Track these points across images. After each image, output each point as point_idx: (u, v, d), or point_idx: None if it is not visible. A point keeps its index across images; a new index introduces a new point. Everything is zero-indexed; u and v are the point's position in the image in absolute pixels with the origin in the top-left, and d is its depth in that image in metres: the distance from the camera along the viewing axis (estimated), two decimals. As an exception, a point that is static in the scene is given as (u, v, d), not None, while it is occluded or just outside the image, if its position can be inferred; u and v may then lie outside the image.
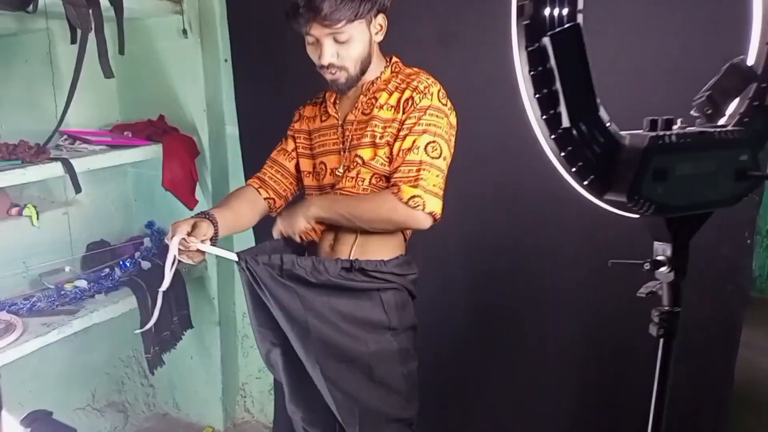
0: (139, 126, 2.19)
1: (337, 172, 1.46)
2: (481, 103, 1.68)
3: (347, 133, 1.45)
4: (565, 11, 0.71)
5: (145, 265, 2.14)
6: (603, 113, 0.75)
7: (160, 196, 2.22)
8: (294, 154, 1.57)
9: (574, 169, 0.75)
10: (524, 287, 1.87)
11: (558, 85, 0.71)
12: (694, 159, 0.78)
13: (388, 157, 1.40)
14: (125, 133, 2.13)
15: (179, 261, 1.34)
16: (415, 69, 1.46)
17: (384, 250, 1.45)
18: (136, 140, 2.08)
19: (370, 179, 1.42)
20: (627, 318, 1.77)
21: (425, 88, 1.37)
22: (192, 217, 1.38)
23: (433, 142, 1.35)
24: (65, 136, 1.97)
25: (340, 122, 1.47)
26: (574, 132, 0.74)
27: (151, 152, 2.07)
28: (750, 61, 0.89)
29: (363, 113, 1.43)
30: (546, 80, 0.72)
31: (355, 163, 1.42)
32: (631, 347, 1.81)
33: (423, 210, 1.34)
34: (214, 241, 1.37)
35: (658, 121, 0.79)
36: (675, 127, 0.81)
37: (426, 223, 1.37)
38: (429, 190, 1.34)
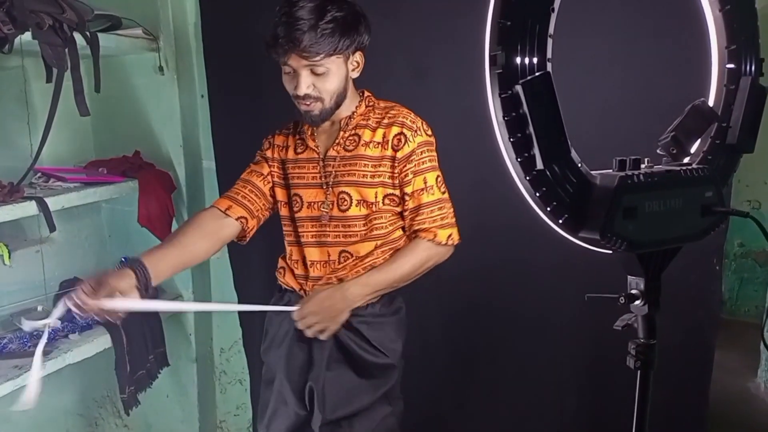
0: (114, 162, 2.17)
1: (322, 208, 1.44)
2: (454, 136, 1.71)
3: (329, 168, 1.45)
4: (535, 60, 0.75)
5: (121, 302, 2.10)
6: (574, 154, 0.79)
7: (135, 231, 2.20)
8: (270, 178, 1.53)
9: (549, 209, 0.78)
10: (501, 317, 1.89)
11: (531, 129, 0.74)
12: (662, 197, 0.82)
13: (390, 197, 1.42)
14: (100, 169, 2.11)
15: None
16: (389, 102, 1.48)
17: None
18: (111, 177, 2.07)
19: (367, 220, 1.42)
20: (605, 346, 1.81)
21: (413, 123, 1.41)
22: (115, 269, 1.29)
23: (438, 176, 1.43)
24: (39, 174, 1.95)
25: (321, 156, 1.46)
26: (548, 173, 0.77)
27: (126, 188, 2.06)
28: (710, 101, 0.94)
29: (345, 149, 1.44)
30: (519, 125, 0.75)
31: (343, 200, 1.42)
32: (608, 374, 1.84)
33: (454, 243, 1.44)
34: (147, 287, 1.27)
35: (627, 161, 0.82)
36: (643, 166, 0.85)
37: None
38: (453, 224, 1.44)
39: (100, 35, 1.85)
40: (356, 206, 1.41)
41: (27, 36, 1.61)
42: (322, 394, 1.41)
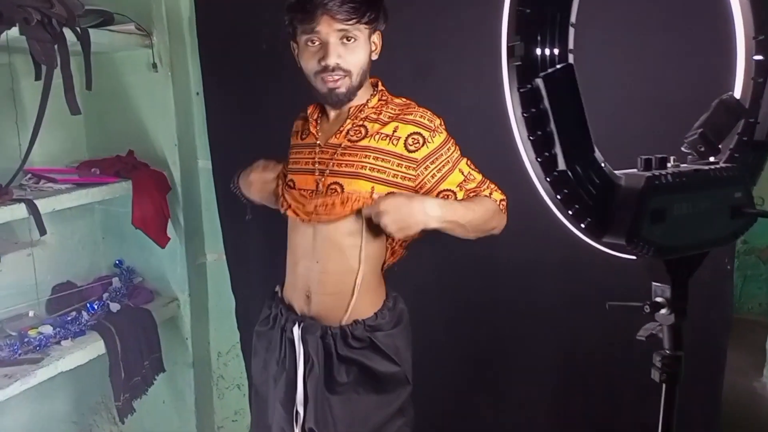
0: (108, 162, 2.11)
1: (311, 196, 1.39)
2: (457, 134, 1.66)
3: (326, 156, 1.37)
4: (556, 51, 0.69)
5: (114, 307, 2.04)
6: (598, 154, 0.73)
7: (129, 233, 2.14)
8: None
9: (570, 212, 0.72)
10: (508, 317, 1.84)
11: (552, 127, 0.69)
12: (691, 198, 0.76)
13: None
14: (92, 170, 2.05)
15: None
16: (404, 99, 1.42)
17: (373, 294, 1.41)
18: (104, 177, 2.01)
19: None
20: (614, 348, 1.77)
21: (431, 122, 1.35)
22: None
23: (467, 161, 1.40)
24: (29, 175, 1.89)
25: (320, 143, 1.40)
26: (570, 174, 0.71)
27: (119, 189, 1.99)
28: (737, 96, 0.88)
29: (349, 140, 1.36)
30: (540, 122, 0.69)
31: (332, 191, 1.34)
32: (617, 376, 1.80)
33: (505, 210, 1.41)
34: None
35: (653, 159, 0.77)
36: (669, 165, 0.79)
37: None
38: (503, 192, 1.41)
39: (91, 31, 1.78)
40: (344, 200, 1.35)
41: (14, 31, 1.54)
42: (330, 420, 1.34)
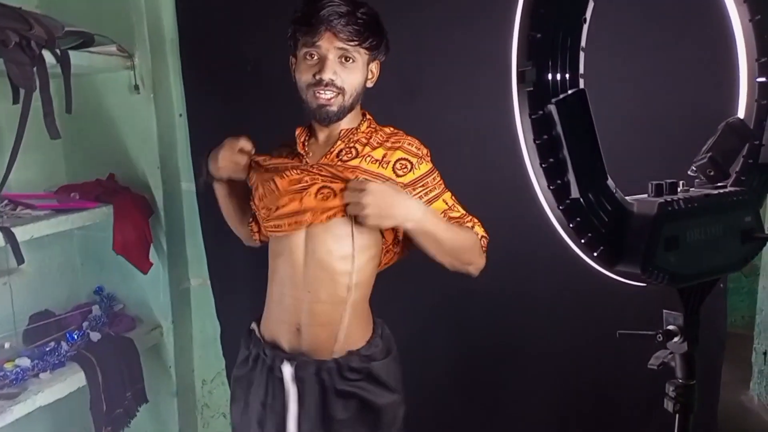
0: (87, 186, 2.05)
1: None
2: (446, 156, 1.64)
3: (315, 171, 1.31)
4: (567, 76, 0.67)
5: (95, 336, 1.97)
6: (610, 181, 0.71)
7: (109, 258, 2.07)
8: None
9: (583, 241, 0.70)
10: (503, 343, 1.81)
11: (565, 153, 0.66)
12: (703, 224, 0.75)
13: None
14: (72, 194, 1.98)
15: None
16: (391, 128, 1.40)
17: (365, 322, 1.37)
18: (84, 202, 1.94)
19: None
20: (610, 375, 1.76)
21: (418, 150, 1.34)
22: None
23: (451, 195, 1.38)
24: (6, 201, 1.82)
25: (309, 162, 1.35)
26: (582, 201, 0.69)
27: (100, 214, 1.93)
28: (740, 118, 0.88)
29: (341, 159, 1.33)
30: (552, 149, 0.67)
31: (324, 193, 1.29)
32: (612, 403, 1.78)
33: (485, 247, 1.38)
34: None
35: (664, 185, 0.75)
36: (679, 190, 0.77)
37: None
38: (485, 230, 1.39)
39: (71, 53, 1.73)
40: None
41: (-9, 54, 1.50)
42: None
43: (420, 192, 1.33)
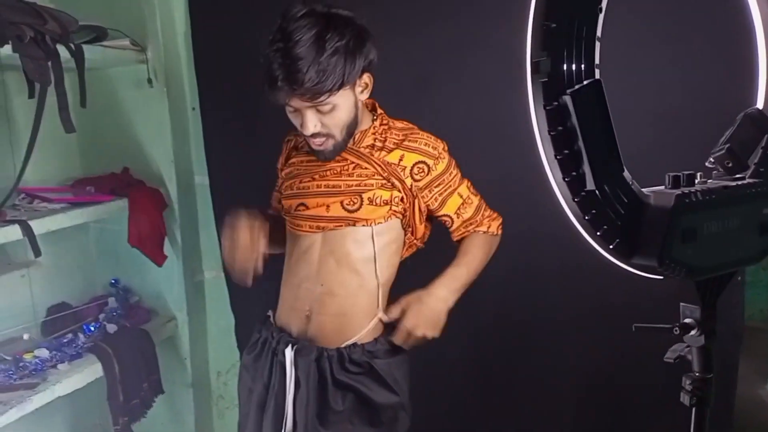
0: (102, 180, 2.07)
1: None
2: (459, 146, 1.64)
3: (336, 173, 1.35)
4: (582, 66, 0.66)
5: (111, 328, 1.99)
6: (626, 172, 0.70)
7: (124, 251, 2.09)
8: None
9: (599, 233, 0.69)
10: (516, 337, 1.81)
11: (581, 145, 0.66)
12: (721, 216, 0.74)
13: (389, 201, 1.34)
14: (87, 188, 2.01)
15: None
16: (405, 123, 1.39)
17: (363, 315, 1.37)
18: (99, 196, 1.96)
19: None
20: (625, 371, 1.74)
21: (434, 149, 1.34)
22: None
23: (467, 184, 1.41)
24: (23, 195, 1.84)
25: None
26: (598, 194, 0.68)
27: (115, 208, 1.95)
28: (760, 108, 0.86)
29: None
30: (567, 140, 0.66)
31: (353, 202, 1.33)
32: (628, 402, 1.77)
33: (501, 230, 1.47)
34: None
35: (681, 176, 0.74)
36: (696, 181, 0.76)
37: None
38: (498, 215, 1.46)
39: (85, 47, 1.74)
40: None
41: (7, 49, 1.50)
42: None
43: (436, 192, 1.36)
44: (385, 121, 1.38)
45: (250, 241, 1.26)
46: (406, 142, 1.34)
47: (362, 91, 1.29)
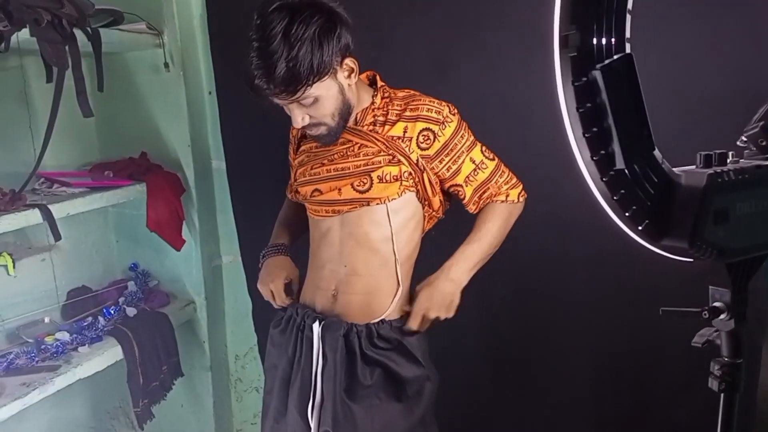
0: (121, 164, 2.07)
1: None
2: (478, 129, 1.61)
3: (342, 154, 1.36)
4: (613, 40, 0.64)
5: (131, 311, 2.01)
6: (657, 151, 0.68)
7: (143, 235, 2.11)
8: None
9: (628, 214, 0.67)
10: (539, 325, 1.79)
11: (610, 122, 0.63)
12: (754, 196, 0.71)
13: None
14: (106, 172, 2.01)
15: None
16: (407, 91, 1.37)
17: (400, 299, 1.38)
18: (118, 180, 1.97)
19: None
20: (648, 355, 1.72)
21: (438, 114, 1.31)
22: (275, 253, 1.50)
23: (482, 147, 1.37)
24: (42, 179, 1.85)
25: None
26: (627, 173, 0.66)
27: (134, 192, 1.96)
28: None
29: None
30: (596, 117, 0.64)
31: (363, 182, 1.33)
32: (651, 386, 1.75)
33: (525, 197, 1.42)
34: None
35: (713, 155, 0.71)
36: (728, 161, 0.74)
37: None
38: (518, 181, 1.40)
39: (102, 31, 1.74)
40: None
41: (25, 33, 1.51)
42: (349, 427, 1.30)
43: (448, 160, 1.32)
44: (386, 94, 1.36)
45: (283, 299, 1.45)
46: (407, 112, 1.31)
47: (348, 76, 1.27)
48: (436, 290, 1.31)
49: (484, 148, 1.37)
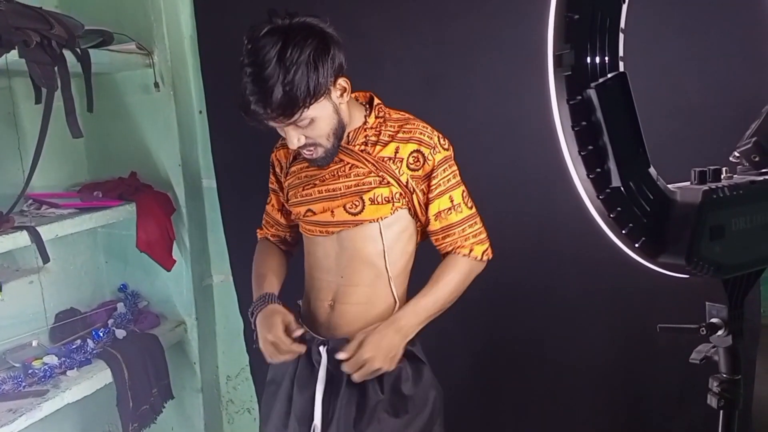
0: (110, 185, 2.06)
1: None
2: (469, 146, 1.61)
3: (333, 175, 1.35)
4: (606, 59, 0.64)
5: (120, 333, 1.98)
6: (652, 168, 0.68)
7: (133, 256, 2.09)
8: (279, 205, 1.51)
9: (624, 231, 0.67)
10: (534, 336, 1.79)
11: (606, 140, 0.64)
12: (749, 212, 0.72)
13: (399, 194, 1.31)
14: (95, 193, 1.99)
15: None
16: (403, 114, 1.37)
17: (383, 304, 1.38)
18: (107, 201, 1.95)
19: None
20: (641, 366, 1.72)
21: (430, 139, 1.31)
22: (263, 304, 1.37)
23: (464, 191, 1.36)
24: (31, 201, 1.83)
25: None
26: (623, 191, 0.66)
27: (123, 212, 1.94)
28: (784, 101, 0.84)
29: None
30: (591, 135, 0.64)
31: (354, 205, 1.32)
32: (644, 398, 1.75)
33: (489, 258, 1.38)
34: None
35: (707, 171, 0.72)
36: (722, 177, 0.74)
37: None
38: (486, 239, 1.38)
39: (91, 51, 1.74)
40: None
41: (13, 54, 1.50)
42: None
43: (433, 184, 1.32)
44: (381, 114, 1.36)
45: (289, 344, 1.31)
46: (400, 134, 1.31)
47: (341, 95, 1.26)
48: (385, 340, 1.26)
49: (465, 194, 1.36)
